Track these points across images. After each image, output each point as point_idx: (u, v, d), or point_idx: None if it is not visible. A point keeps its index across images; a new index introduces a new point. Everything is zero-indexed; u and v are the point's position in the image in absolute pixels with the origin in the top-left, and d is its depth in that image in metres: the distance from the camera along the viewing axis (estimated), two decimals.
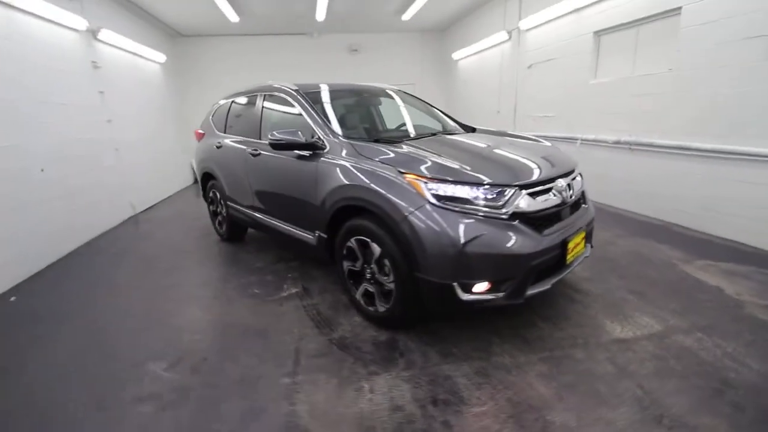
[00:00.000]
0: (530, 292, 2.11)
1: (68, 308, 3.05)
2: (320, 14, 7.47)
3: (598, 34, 4.98)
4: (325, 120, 2.83)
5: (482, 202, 2.02)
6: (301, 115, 2.99)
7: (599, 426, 1.67)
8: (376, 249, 2.30)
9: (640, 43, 4.44)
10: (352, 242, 2.48)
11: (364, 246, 2.41)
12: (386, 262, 2.26)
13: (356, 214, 2.44)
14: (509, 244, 1.99)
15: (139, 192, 6.28)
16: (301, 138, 2.70)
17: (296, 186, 2.89)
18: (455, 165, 2.13)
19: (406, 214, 2.06)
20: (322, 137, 2.72)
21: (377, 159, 2.34)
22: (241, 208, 3.84)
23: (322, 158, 2.66)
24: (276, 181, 3.16)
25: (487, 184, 2.04)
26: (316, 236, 2.83)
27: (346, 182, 2.40)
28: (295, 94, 3.10)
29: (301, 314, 2.75)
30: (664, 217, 4.31)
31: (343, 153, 2.56)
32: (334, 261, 2.79)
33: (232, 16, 7.13)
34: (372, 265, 2.39)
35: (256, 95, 3.62)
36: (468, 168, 2.11)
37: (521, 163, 2.29)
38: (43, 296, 3.30)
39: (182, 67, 9.01)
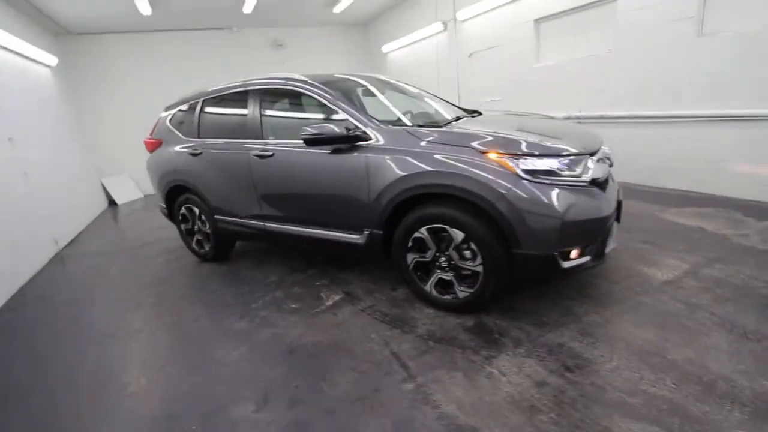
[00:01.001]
0: (606, 250, 2.28)
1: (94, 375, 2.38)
2: (248, 6, 6.89)
3: (538, 21, 5.50)
4: (362, 109, 2.65)
5: (567, 172, 2.12)
6: (326, 107, 2.76)
7: (712, 353, 1.90)
8: (458, 234, 2.25)
9: (580, 28, 5.04)
10: (422, 232, 2.38)
11: (436, 234, 2.35)
12: (472, 245, 2.23)
13: (424, 203, 2.36)
14: (595, 208, 2.13)
15: (57, 223, 5.12)
16: (341, 130, 2.50)
17: (336, 184, 2.66)
18: (534, 138, 2.19)
19: (503, 191, 2.06)
20: (363, 127, 2.55)
21: (446, 143, 2.29)
22: (238, 221, 3.40)
23: (368, 150, 2.50)
24: (302, 183, 2.86)
25: (569, 154, 2.14)
26: (365, 235, 2.65)
27: (417, 170, 2.29)
28: (315, 86, 2.84)
29: (366, 319, 2.56)
30: (623, 179, 4.99)
31: (397, 141, 2.44)
32: (388, 258, 2.66)
33: (145, 9, 6.16)
34: (449, 252, 2.34)
35: (246, 92, 3.21)
36: (547, 141, 2.18)
37: (584, 133, 2.44)
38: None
39: (78, 71, 7.55)
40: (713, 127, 3.91)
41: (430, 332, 2.33)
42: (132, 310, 3.12)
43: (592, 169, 2.20)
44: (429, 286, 2.50)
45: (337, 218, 2.79)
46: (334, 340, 2.38)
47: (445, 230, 2.31)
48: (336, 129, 2.50)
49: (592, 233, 2.16)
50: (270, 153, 2.96)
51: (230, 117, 3.47)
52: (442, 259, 2.39)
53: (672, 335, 2.06)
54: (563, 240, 2.06)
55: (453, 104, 3.68)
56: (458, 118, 2.97)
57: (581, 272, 2.42)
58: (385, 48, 9.15)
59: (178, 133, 3.79)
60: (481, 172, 2.11)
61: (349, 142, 2.54)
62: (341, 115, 2.66)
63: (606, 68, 4.76)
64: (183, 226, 3.97)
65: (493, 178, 2.08)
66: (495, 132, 2.34)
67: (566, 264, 2.11)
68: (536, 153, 2.11)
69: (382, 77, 3.64)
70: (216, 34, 8.47)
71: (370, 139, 2.52)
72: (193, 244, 3.96)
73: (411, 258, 2.51)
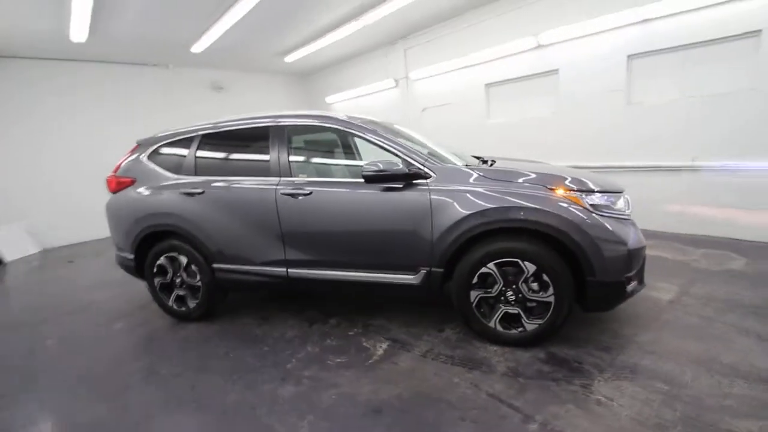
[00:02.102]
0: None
1: None
2: (199, 46, 6.55)
3: (488, 85, 6.32)
4: (415, 149, 2.67)
5: (618, 207, 2.41)
6: (376, 145, 2.72)
7: (749, 353, 2.24)
8: (530, 267, 2.34)
9: (527, 93, 5.91)
10: (490, 267, 2.42)
11: (502, 268, 2.40)
12: (543, 276, 2.33)
13: (492, 238, 2.41)
14: (640, 238, 2.44)
15: None
16: (403, 168, 2.49)
17: (393, 223, 2.57)
18: (587, 179, 2.45)
19: (580, 224, 2.23)
20: (420, 165, 2.56)
21: (514, 180, 2.43)
22: (248, 268, 2.98)
23: (429, 187, 2.51)
24: (350, 223, 2.68)
25: (617, 191, 2.45)
26: (421, 274, 2.57)
27: (494, 205, 2.35)
28: (360, 125, 2.80)
29: (433, 364, 2.41)
30: None
31: (457, 178, 2.51)
32: (442, 297, 2.60)
33: (79, 35, 5.40)
34: (519, 285, 2.40)
35: (268, 128, 2.99)
36: (596, 181, 2.47)
37: (604, 176, 2.80)
38: None
39: None
40: (644, 175, 4.84)
41: (512, 369, 2.29)
42: (119, 394, 2.41)
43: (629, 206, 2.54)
44: (493, 322, 2.50)
45: (389, 259, 2.66)
46: (416, 390, 2.17)
47: (511, 264, 2.39)
48: (400, 166, 2.49)
49: (641, 260, 2.45)
50: (308, 192, 2.75)
51: (244, 154, 3.16)
52: (509, 293, 2.44)
53: (710, 344, 2.38)
54: (627, 266, 2.30)
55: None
56: (485, 162, 3.18)
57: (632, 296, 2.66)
58: (329, 99, 9.40)
59: (161, 170, 3.28)
60: (559, 207, 2.28)
61: (409, 179, 2.53)
62: (398, 153, 2.64)
63: (550, 127, 5.62)
64: (157, 281, 3.31)
65: (571, 212, 2.26)
66: (545, 172, 2.57)
67: (629, 289, 2.33)
68: (597, 190, 2.37)
69: (385, 122, 3.74)
70: (151, 71, 7.75)
71: (429, 176, 2.54)
72: (170, 302, 3.31)
73: (475, 295, 2.49)
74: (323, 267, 2.83)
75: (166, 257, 3.23)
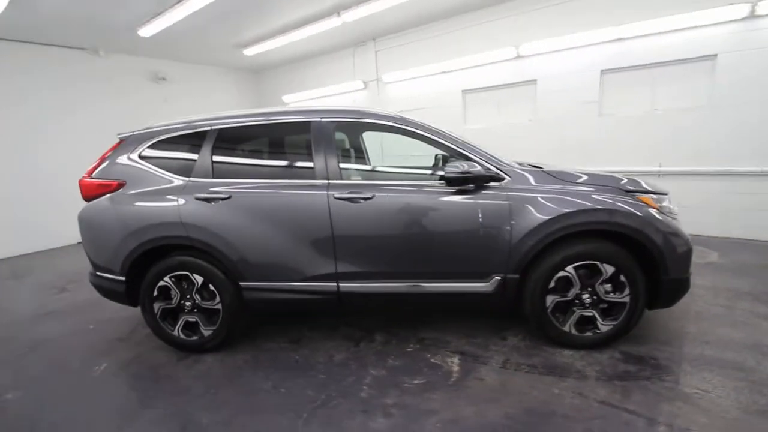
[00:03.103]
0: None
1: None
2: (149, 30, 5.65)
3: (465, 92, 6.46)
4: (486, 150, 2.55)
5: (672, 208, 2.57)
6: (443, 146, 2.55)
7: None
8: (608, 269, 2.37)
9: (505, 100, 6.16)
10: (569, 271, 2.39)
11: (578, 271, 2.40)
12: (621, 277, 2.37)
13: (570, 242, 2.39)
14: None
15: None
16: (482, 170, 2.37)
17: (469, 228, 2.42)
18: (641, 182, 2.55)
19: (658, 225, 2.31)
20: (497, 167, 2.46)
21: (588, 183, 2.44)
22: (288, 285, 2.58)
23: (508, 190, 2.42)
24: (420, 229, 2.46)
25: (667, 193, 2.60)
26: (495, 281, 2.45)
27: (577, 208, 2.33)
28: (420, 123, 2.60)
29: (521, 376, 2.30)
30: None
31: (532, 181, 2.45)
32: (513, 303, 2.52)
33: None
34: (596, 287, 2.41)
35: (307, 123, 2.63)
36: (647, 183, 2.59)
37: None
38: None
39: None
40: None
41: (601, 372, 2.28)
42: None
43: None
44: (568, 326, 2.48)
45: (459, 266, 2.50)
46: (523, 406, 2.04)
47: (588, 267, 2.40)
48: (478, 168, 2.36)
49: None
50: (369, 196, 2.46)
51: (278, 153, 2.74)
52: (585, 295, 2.44)
53: (745, 330, 2.66)
54: (690, 263, 2.44)
55: None
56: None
57: None
58: (287, 98, 8.83)
59: (161, 172, 2.70)
60: (639, 209, 2.34)
61: (487, 182, 2.41)
62: (467, 154, 2.50)
63: (528, 134, 5.93)
64: (158, 306, 2.70)
65: (648, 213, 2.34)
66: (607, 175, 2.63)
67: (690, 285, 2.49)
68: (663, 193, 2.49)
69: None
70: (77, 56, 6.49)
71: (504, 179, 2.45)
72: (176, 331, 2.73)
73: (551, 300, 2.45)
74: (381, 279, 2.56)
75: (171, 277, 2.66)
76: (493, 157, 2.53)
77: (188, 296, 2.69)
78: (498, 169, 2.46)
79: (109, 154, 2.82)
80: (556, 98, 5.59)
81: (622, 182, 2.47)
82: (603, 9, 4.96)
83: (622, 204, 2.34)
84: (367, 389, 2.26)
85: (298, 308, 3.00)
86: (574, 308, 2.46)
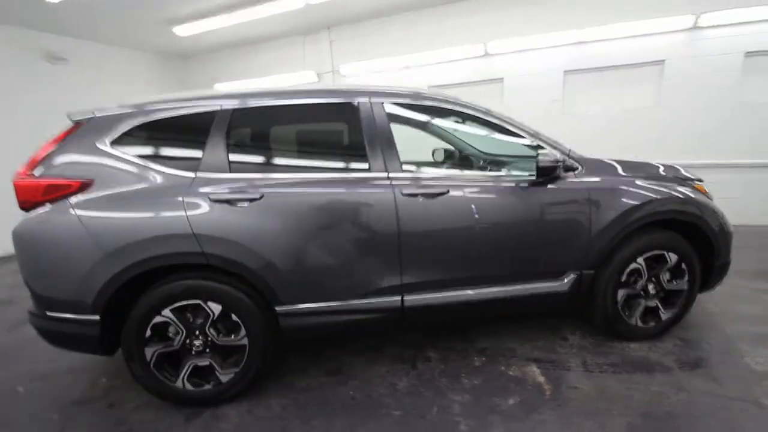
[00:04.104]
0: None
1: None
2: None
3: (431, 88, 6.32)
4: (550, 138, 2.35)
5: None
6: (509, 132, 2.29)
7: None
8: (673, 257, 2.36)
9: (472, 98, 6.14)
10: (639, 263, 2.33)
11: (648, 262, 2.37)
12: (682, 265, 2.38)
13: (636, 233, 2.32)
14: None
15: None
16: (567, 159, 2.20)
17: (548, 223, 2.22)
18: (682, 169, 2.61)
19: (715, 212, 2.36)
20: (567, 156, 2.28)
21: (651, 171, 2.41)
22: (346, 305, 2.07)
23: (584, 180, 2.26)
24: (493, 226, 2.15)
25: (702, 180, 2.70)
26: (571, 279, 2.28)
27: (648, 199, 2.26)
28: (485, 109, 2.30)
29: (611, 380, 2.14)
30: None
31: (604, 171, 2.35)
32: (584, 302, 2.39)
33: None
34: (660, 277, 2.39)
35: (353, 105, 2.14)
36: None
37: None
38: None
39: None
40: None
41: (681, 362, 2.25)
42: None
43: None
44: (635, 319, 2.42)
45: (533, 265, 2.27)
46: (637, 413, 1.88)
47: (653, 257, 2.37)
48: (558, 157, 2.17)
49: None
50: (443, 190, 2.08)
51: (315, 142, 2.19)
52: (650, 286, 2.41)
53: (758, 305, 2.89)
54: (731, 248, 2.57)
55: None
56: None
57: None
58: (222, 87, 7.76)
59: (152, 165, 1.96)
60: (701, 197, 2.36)
61: (566, 171, 2.22)
62: (539, 142, 2.30)
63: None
64: (152, 351, 1.96)
65: (706, 200, 2.38)
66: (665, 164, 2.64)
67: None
68: (695, 178, 2.57)
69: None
70: None
71: (577, 168, 2.29)
72: (179, 381, 2.00)
73: (622, 294, 2.36)
74: (451, 287, 2.20)
75: (174, 310, 1.95)
76: (562, 145, 2.36)
77: (197, 333, 2.00)
78: (571, 158, 2.30)
79: (60, 142, 1.97)
80: (522, 97, 5.76)
81: (681, 171, 2.50)
82: (567, 11, 5.22)
83: (690, 193, 2.35)
84: (462, 420, 1.89)
85: (350, 333, 2.50)
86: (641, 300, 2.41)
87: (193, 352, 2.02)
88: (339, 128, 2.27)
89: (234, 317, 2.00)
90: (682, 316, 2.49)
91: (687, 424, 1.81)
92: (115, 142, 1.97)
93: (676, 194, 2.33)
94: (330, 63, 6.86)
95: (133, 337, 1.94)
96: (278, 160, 2.19)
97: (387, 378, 2.26)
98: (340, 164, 2.23)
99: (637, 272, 2.36)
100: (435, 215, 2.09)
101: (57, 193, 1.89)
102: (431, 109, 2.41)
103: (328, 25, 6.63)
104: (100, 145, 1.96)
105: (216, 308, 1.97)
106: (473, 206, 2.13)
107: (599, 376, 2.18)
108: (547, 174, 2.13)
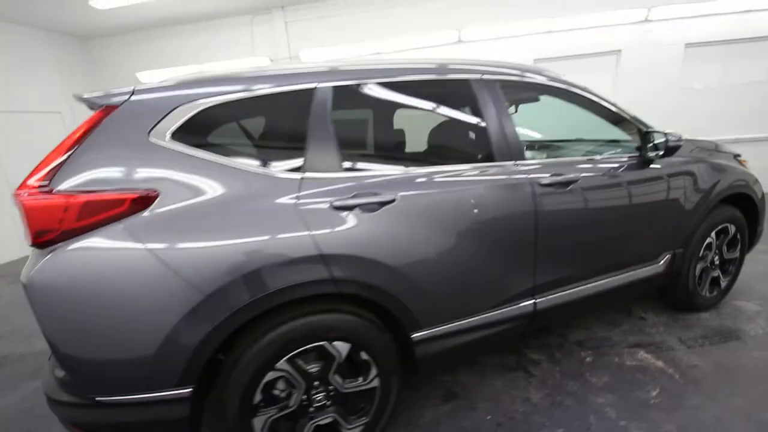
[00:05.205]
0: None
1: None
2: None
3: None
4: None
5: None
6: (610, 113, 2.17)
7: None
8: (732, 229, 2.53)
9: None
10: (712, 237, 2.45)
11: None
12: (738, 237, 2.57)
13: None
14: None
15: None
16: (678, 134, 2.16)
17: (663, 203, 2.19)
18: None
19: (758, 182, 2.58)
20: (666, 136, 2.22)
21: (719, 150, 2.54)
22: (480, 320, 1.76)
23: (684, 159, 2.27)
24: (614, 214, 2.05)
25: None
26: (666, 260, 2.29)
27: (732, 179, 2.37)
28: (572, 83, 2.13)
29: (718, 354, 2.19)
30: None
31: (691, 149, 2.38)
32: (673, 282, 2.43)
33: None
34: (722, 249, 2.55)
35: (466, 81, 1.81)
36: None
37: None
38: None
39: None
40: None
41: (762, 327, 2.41)
42: None
43: None
44: (704, 290, 2.55)
45: (641, 249, 2.22)
46: None
47: (719, 231, 2.51)
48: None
49: None
50: (575, 177, 1.87)
51: (442, 124, 1.79)
52: (716, 258, 2.55)
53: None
54: None
55: None
56: None
57: None
58: (143, 76, 6.47)
59: (239, 166, 1.41)
60: (750, 173, 2.55)
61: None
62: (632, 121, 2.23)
63: None
64: (264, 419, 1.44)
65: (753, 176, 2.58)
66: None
67: None
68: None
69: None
70: None
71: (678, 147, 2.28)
72: None
73: (699, 268, 2.47)
74: (578, 281, 2.03)
75: (289, 360, 1.44)
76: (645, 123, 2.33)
77: (317, 383, 1.52)
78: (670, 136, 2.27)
79: (86, 136, 1.29)
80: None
81: (729, 148, 2.67)
82: (538, 0, 5.38)
83: (745, 169, 2.53)
84: (627, 423, 1.76)
85: (479, 351, 2.19)
86: (711, 271, 2.55)
87: (312, 408, 1.54)
88: (464, 110, 1.91)
89: (364, 355, 1.56)
90: (734, 282, 2.71)
91: None
92: (177, 134, 1.37)
93: (745, 169, 2.50)
94: (286, 48, 6.14)
95: (235, 408, 1.39)
96: (396, 153, 1.77)
97: (512, 393, 2.02)
98: (470, 154, 1.89)
99: (708, 246, 2.48)
100: (569, 205, 1.90)
101: (102, 214, 1.24)
102: (546, 89, 2.18)
103: (282, 4, 5.91)
104: (154, 139, 1.34)
105: (343, 348, 1.51)
106: (603, 192, 1.99)
107: (703, 350, 2.24)
108: (673, 153, 2.07)
